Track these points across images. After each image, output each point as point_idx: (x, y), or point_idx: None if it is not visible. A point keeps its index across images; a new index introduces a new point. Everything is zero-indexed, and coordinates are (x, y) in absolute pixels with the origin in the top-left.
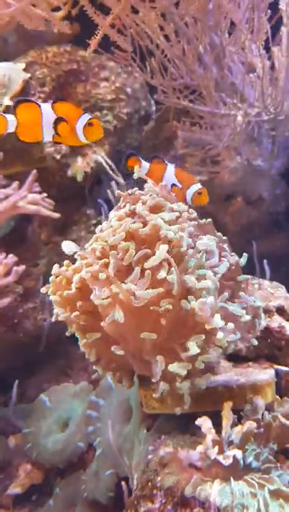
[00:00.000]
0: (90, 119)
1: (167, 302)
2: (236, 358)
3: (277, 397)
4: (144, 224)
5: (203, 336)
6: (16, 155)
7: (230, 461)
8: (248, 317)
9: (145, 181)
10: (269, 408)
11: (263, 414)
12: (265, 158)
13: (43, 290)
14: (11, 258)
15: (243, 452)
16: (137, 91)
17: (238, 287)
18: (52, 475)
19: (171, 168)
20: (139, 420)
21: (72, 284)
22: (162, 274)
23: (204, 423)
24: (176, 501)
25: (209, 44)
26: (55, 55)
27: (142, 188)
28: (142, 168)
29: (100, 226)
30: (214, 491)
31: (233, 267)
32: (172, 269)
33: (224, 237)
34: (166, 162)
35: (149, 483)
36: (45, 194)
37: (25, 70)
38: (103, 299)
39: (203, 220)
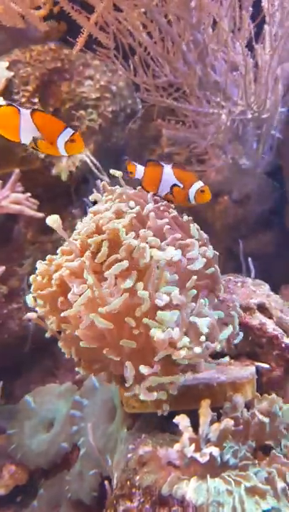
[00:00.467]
0: (72, 134)
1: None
2: (218, 356)
3: (258, 394)
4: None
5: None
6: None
7: (207, 458)
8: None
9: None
10: (249, 405)
11: (242, 412)
12: (250, 157)
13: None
14: None
15: (221, 450)
16: (123, 89)
17: (215, 285)
18: (37, 476)
19: (168, 169)
20: (122, 419)
21: (52, 281)
22: (128, 283)
23: (182, 421)
24: (154, 500)
25: (192, 42)
26: (40, 53)
27: None
28: (137, 172)
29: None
30: (190, 489)
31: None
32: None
33: (205, 235)
34: (163, 164)
35: (128, 482)
36: (28, 194)
37: (8, 68)
38: (79, 304)
39: (185, 217)
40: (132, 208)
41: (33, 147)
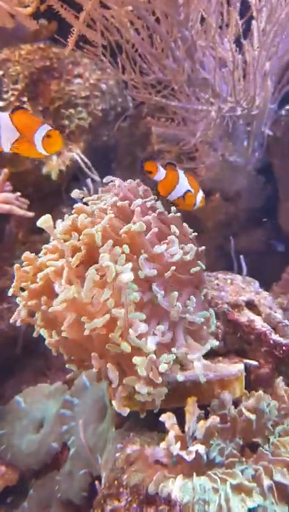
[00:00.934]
0: (49, 130)
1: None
2: (207, 353)
3: (246, 391)
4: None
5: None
6: None
7: (193, 456)
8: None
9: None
10: (237, 403)
11: (229, 409)
12: (241, 154)
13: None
14: None
15: (207, 447)
16: (113, 87)
17: (200, 283)
18: (27, 476)
19: (183, 176)
20: (111, 418)
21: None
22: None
23: (168, 419)
24: (141, 499)
25: (180, 38)
26: (29, 52)
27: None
28: (158, 174)
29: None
30: (176, 487)
31: (189, 258)
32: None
33: (191, 231)
34: (178, 170)
35: (116, 482)
36: (18, 193)
37: None
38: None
39: (171, 213)
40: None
41: (15, 150)
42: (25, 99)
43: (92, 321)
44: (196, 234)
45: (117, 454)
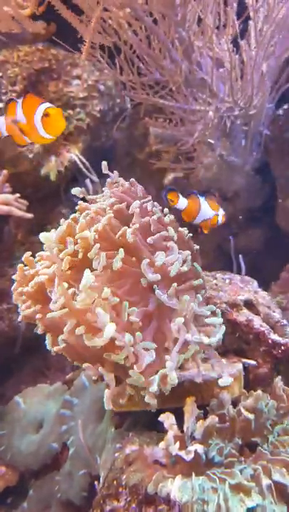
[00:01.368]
0: (48, 108)
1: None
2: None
3: (245, 391)
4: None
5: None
6: None
7: (192, 456)
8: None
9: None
10: (236, 402)
11: (228, 409)
12: (239, 154)
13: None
14: None
15: (206, 447)
16: (111, 88)
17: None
18: (27, 477)
19: (204, 202)
20: (110, 418)
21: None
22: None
23: (166, 419)
24: (140, 499)
25: (177, 39)
26: (27, 53)
27: None
28: (179, 203)
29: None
30: (175, 487)
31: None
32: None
33: (186, 232)
34: (198, 196)
35: (115, 482)
36: (17, 194)
37: None
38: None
39: (166, 217)
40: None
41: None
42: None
43: (91, 335)
44: (191, 235)
45: (116, 454)
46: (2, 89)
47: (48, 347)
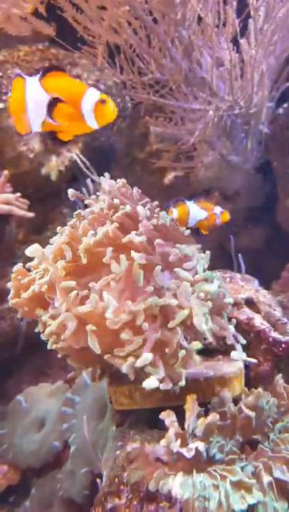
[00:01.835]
0: (101, 94)
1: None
2: (206, 351)
3: (246, 389)
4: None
5: None
6: None
7: (193, 453)
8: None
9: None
10: (237, 400)
11: (229, 407)
12: (239, 153)
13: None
14: None
15: (207, 444)
16: (111, 88)
17: None
18: (29, 475)
19: (192, 206)
20: (111, 417)
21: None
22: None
23: (167, 417)
24: (142, 496)
25: (177, 38)
26: (27, 53)
27: None
28: (173, 214)
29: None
30: (176, 484)
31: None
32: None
33: (187, 231)
34: (186, 201)
35: (116, 479)
36: (18, 194)
37: None
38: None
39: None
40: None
41: (48, 129)
42: None
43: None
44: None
45: (118, 452)
46: (2, 89)
47: (49, 346)
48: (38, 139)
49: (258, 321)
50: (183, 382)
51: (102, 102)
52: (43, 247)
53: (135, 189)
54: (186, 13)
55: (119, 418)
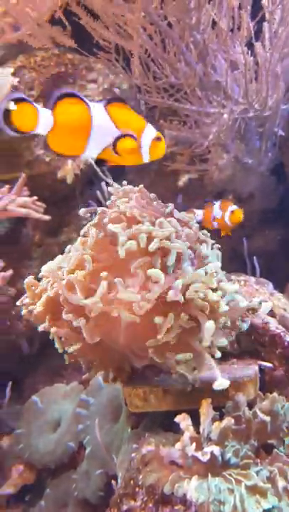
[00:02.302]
0: (157, 132)
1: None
2: (221, 355)
3: (260, 393)
4: None
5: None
6: (4, 160)
7: (208, 457)
8: None
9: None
10: (252, 404)
11: (244, 411)
12: (253, 155)
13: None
14: None
15: (222, 448)
16: (126, 91)
17: None
18: (44, 475)
19: (216, 205)
20: (126, 419)
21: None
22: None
23: (183, 420)
24: (157, 499)
25: (192, 42)
26: (43, 58)
27: None
28: (197, 215)
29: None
30: (191, 487)
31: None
32: None
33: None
34: (213, 202)
35: (132, 482)
36: (35, 197)
37: (13, 74)
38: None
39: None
40: None
41: (102, 157)
42: (40, 105)
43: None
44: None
45: (133, 454)
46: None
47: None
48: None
49: (273, 325)
50: None
51: (158, 139)
52: (59, 250)
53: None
54: (200, 17)
55: (134, 420)
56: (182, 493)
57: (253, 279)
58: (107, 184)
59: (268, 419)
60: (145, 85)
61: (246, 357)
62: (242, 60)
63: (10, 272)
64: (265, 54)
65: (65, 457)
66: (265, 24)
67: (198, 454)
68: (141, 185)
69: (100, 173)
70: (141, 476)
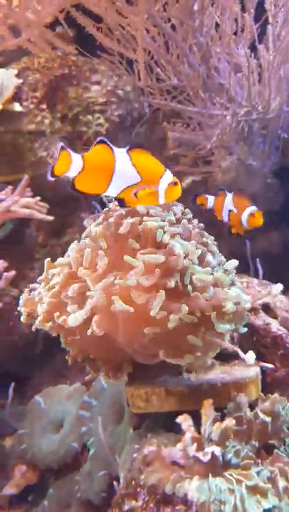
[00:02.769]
0: (173, 177)
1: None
2: (223, 356)
3: (262, 394)
4: None
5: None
6: (8, 161)
7: (209, 457)
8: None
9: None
10: (254, 405)
11: (245, 412)
12: (257, 157)
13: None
14: (1, 263)
15: (223, 449)
16: (129, 93)
17: None
18: (47, 475)
19: (229, 197)
20: (128, 420)
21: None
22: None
23: (184, 421)
24: (158, 499)
25: (195, 45)
26: (47, 60)
27: None
28: (208, 203)
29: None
30: (192, 487)
31: None
32: None
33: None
34: (226, 192)
35: (133, 482)
36: (38, 198)
37: (17, 75)
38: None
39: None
40: None
41: (121, 197)
42: (44, 106)
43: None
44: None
45: (135, 455)
46: (23, 96)
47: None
48: (57, 145)
49: (275, 327)
50: None
51: (174, 184)
52: (62, 251)
53: None
54: (203, 20)
55: (136, 421)
56: (183, 493)
57: (256, 280)
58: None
59: (268, 419)
60: (148, 87)
61: None
62: (245, 62)
63: (13, 273)
64: (268, 56)
65: (68, 458)
66: (269, 27)
67: (200, 455)
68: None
69: None
70: (142, 476)
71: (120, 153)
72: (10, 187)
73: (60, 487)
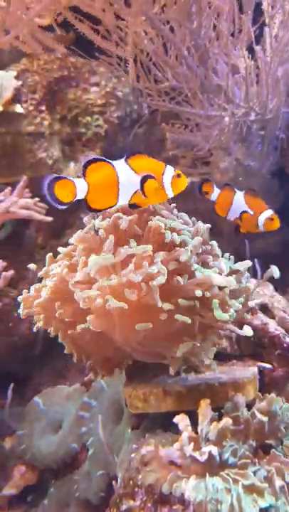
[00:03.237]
0: (175, 171)
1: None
2: (221, 357)
3: (259, 394)
4: None
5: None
6: (7, 163)
7: (206, 457)
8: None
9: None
10: (251, 405)
11: (242, 411)
12: (255, 158)
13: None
14: (0, 263)
15: (220, 448)
16: (128, 94)
17: None
18: (46, 476)
19: (240, 195)
20: (127, 420)
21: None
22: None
23: (181, 421)
24: (156, 499)
25: (193, 46)
26: (46, 62)
27: None
28: (213, 194)
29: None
30: (189, 487)
31: None
32: None
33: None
34: (236, 189)
35: (131, 482)
36: (37, 199)
37: (16, 77)
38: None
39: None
40: None
41: (134, 201)
42: (43, 108)
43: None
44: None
45: (133, 455)
46: (22, 98)
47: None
48: (56, 146)
49: (273, 327)
50: None
51: (178, 176)
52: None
53: None
54: (201, 21)
55: (134, 421)
56: (180, 493)
57: (254, 280)
58: None
59: (265, 419)
60: (147, 89)
61: (246, 358)
62: (243, 63)
63: (11, 272)
64: (265, 58)
65: (68, 458)
66: (266, 28)
67: (197, 454)
68: None
69: None
70: (140, 476)
71: (119, 165)
72: (9, 188)
73: (59, 487)
